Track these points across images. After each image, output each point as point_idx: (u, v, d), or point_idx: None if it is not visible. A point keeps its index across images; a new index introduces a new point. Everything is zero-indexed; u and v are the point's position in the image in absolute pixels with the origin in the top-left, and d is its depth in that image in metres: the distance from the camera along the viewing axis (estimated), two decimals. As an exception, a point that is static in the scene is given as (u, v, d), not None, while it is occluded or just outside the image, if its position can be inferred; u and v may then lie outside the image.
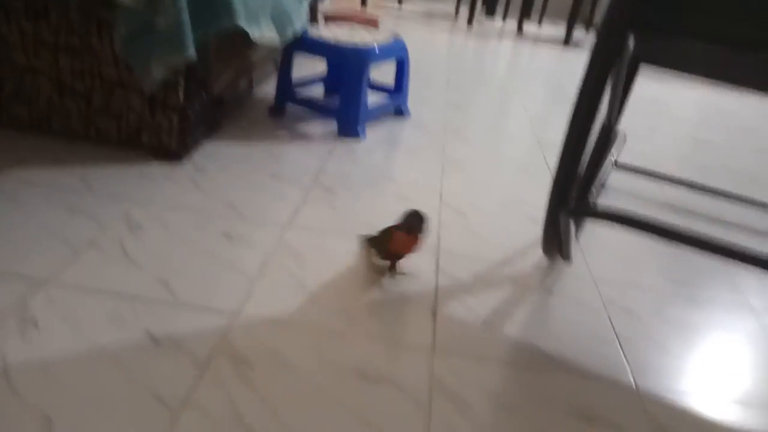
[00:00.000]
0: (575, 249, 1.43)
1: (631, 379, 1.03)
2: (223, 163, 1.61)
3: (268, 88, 2.27)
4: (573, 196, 0.90)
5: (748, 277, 1.42)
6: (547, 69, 3.59)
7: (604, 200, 1.74)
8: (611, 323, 1.17)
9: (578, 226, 1.49)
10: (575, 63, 3.83)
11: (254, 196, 1.46)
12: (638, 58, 1.38)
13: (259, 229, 1.31)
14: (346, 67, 1.88)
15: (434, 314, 1.12)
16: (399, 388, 0.93)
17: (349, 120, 1.92)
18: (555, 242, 1.03)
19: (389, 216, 1.46)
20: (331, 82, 2.29)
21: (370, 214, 1.46)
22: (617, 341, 1.12)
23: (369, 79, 1.90)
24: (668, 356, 1.10)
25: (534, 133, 2.28)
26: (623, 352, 1.09)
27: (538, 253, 1.36)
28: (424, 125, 2.17)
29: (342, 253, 1.27)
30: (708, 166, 2.19)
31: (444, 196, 1.61)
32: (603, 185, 1.70)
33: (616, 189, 1.83)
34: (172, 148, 1.56)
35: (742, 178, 2.10)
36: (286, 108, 2.06)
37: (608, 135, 1.35)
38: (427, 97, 2.54)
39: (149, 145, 1.57)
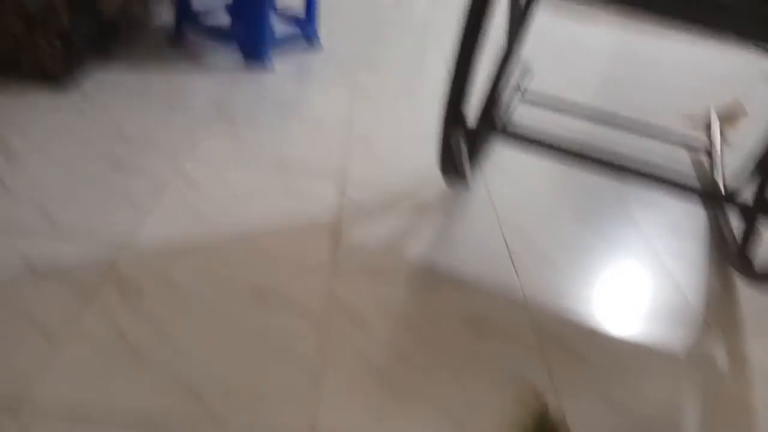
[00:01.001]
0: (478, 176, 1.47)
1: (521, 293, 1.08)
2: (115, 92, 1.50)
3: (168, 15, 2.12)
4: (466, 113, 0.91)
5: (638, 202, 1.50)
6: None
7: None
8: (506, 242, 1.22)
9: (481, 152, 1.52)
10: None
11: (149, 125, 1.38)
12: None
13: (153, 160, 1.25)
14: (250, -8, 1.78)
15: (336, 238, 1.12)
16: (296, 306, 0.93)
17: (253, 46, 1.84)
18: (449, 161, 1.04)
19: (298, 148, 1.43)
20: (235, 8, 2.16)
21: (276, 145, 1.42)
22: (510, 259, 1.17)
23: (275, 3, 1.82)
24: (556, 271, 1.16)
25: (447, 67, 2.27)
26: (515, 269, 1.14)
27: (441, 180, 1.39)
28: (336, 56, 2.11)
29: (242, 183, 1.24)
30: (612, 99, 2.28)
31: (353, 127, 1.59)
32: (508, 114, 1.73)
33: (522, 120, 1.87)
34: (55, 74, 1.44)
35: (641, 111, 2.20)
36: (187, 36, 1.94)
37: (507, 59, 1.36)
38: (342, 29, 2.47)
39: (30, 71, 1.44)
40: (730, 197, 1.27)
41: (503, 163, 1.56)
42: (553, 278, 1.14)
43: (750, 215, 1.24)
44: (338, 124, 1.59)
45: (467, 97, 0.90)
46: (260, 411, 0.76)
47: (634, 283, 1.18)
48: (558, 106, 1.89)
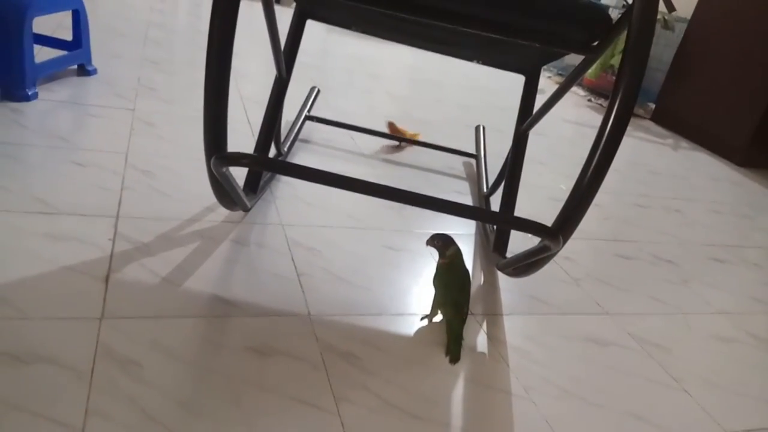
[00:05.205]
0: (268, 199, 1.49)
1: (307, 310, 1.12)
2: None
3: None
4: (224, 142, 0.92)
5: (422, 213, 1.64)
6: (260, 26, 3.59)
7: (300, 151, 1.83)
8: (294, 263, 1.26)
9: (270, 177, 1.55)
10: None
11: None
12: (304, 14, 1.46)
13: None
14: (1, 18, 1.61)
15: (106, 281, 1.06)
16: (57, 363, 0.86)
17: (11, 80, 1.66)
18: (221, 192, 1.05)
19: (66, 186, 1.32)
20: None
21: (40, 184, 1.30)
22: (297, 279, 1.21)
23: (31, 31, 1.66)
24: (343, 284, 1.23)
25: (237, 89, 2.27)
26: (302, 288, 1.18)
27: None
28: (113, 83, 1.99)
29: (6, 233, 1.12)
30: (396, 116, 2.46)
31: (130, 158, 1.52)
32: (290, 140, 1.79)
33: (312, 141, 1.94)
34: None
35: (423, 125, 2.42)
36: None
37: (281, 85, 1.41)
38: (120, 53, 2.34)
39: None
40: (483, 213, 1.42)
41: (296, 186, 1.60)
42: (338, 292, 1.20)
43: (498, 222, 1.43)
44: (114, 156, 1.50)
45: (224, 125, 0.91)
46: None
47: (417, 289, 1.28)
48: (345, 125, 1.99)
